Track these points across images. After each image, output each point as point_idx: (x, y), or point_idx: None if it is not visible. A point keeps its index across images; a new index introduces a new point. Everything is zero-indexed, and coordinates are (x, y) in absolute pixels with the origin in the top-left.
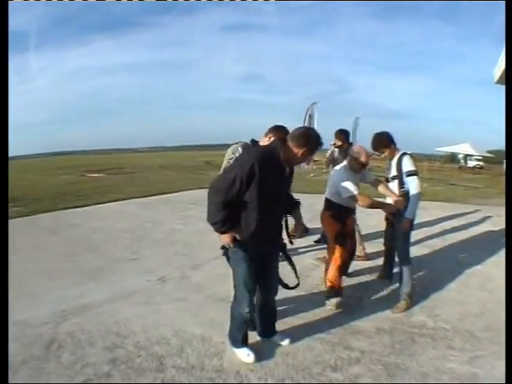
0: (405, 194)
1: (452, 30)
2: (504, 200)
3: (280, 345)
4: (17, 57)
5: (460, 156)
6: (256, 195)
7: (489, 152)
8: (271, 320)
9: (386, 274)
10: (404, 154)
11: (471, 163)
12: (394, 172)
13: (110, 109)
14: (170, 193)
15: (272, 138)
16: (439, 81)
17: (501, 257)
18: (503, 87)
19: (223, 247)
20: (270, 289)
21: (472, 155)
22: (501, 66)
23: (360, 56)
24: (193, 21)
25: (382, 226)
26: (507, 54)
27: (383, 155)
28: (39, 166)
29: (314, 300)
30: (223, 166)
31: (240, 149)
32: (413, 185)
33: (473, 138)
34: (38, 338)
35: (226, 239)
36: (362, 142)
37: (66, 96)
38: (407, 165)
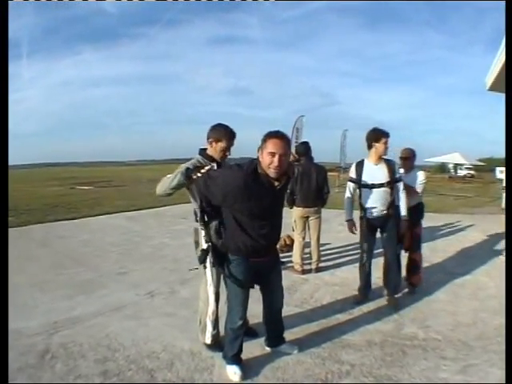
0: (394, 199)
1: (441, 39)
2: (495, 208)
3: (273, 360)
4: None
5: (450, 166)
6: (243, 209)
7: (479, 160)
8: (278, 331)
9: (365, 294)
10: (390, 160)
11: (462, 172)
12: (384, 178)
13: (98, 121)
14: (158, 207)
15: (213, 143)
16: (428, 91)
17: (491, 266)
18: (496, 94)
19: (202, 252)
20: (275, 301)
21: (462, 164)
22: (494, 72)
23: (347, 68)
24: (179, 33)
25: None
26: (507, 55)
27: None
28: (29, 177)
29: (302, 315)
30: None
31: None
32: (403, 189)
33: (463, 147)
34: (33, 347)
35: None
36: (351, 153)
37: (55, 107)
38: (398, 171)
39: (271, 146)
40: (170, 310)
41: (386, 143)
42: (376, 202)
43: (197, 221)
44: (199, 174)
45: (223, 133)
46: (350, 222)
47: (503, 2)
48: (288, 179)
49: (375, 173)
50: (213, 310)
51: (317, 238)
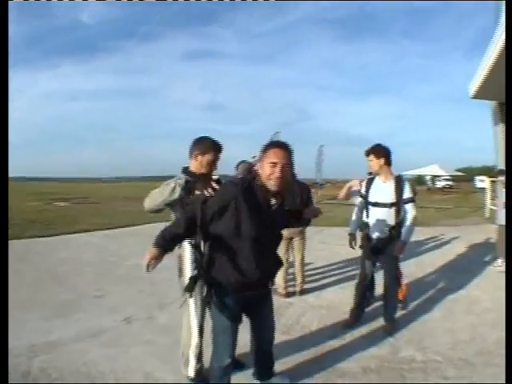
0: (400, 222)
1: (419, 48)
2: (478, 218)
3: None
4: None
5: (427, 177)
6: (233, 233)
7: (458, 170)
8: (268, 365)
9: (358, 317)
10: (401, 177)
11: (440, 183)
12: (390, 198)
13: (76, 135)
14: (134, 225)
15: (198, 157)
16: (406, 101)
17: (482, 278)
18: (478, 101)
19: (191, 280)
20: (265, 333)
21: (440, 176)
22: (478, 79)
23: (323, 81)
24: (155, 47)
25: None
26: (507, 56)
27: (370, 166)
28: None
29: (291, 342)
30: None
31: (179, 188)
32: (412, 212)
33: (441, 157)
34: (17, 366)
35: (151, 253)
36: (326, 169)
37: (34, 120)
38: (408, 191)
39: (273, 155)
40: (149, 337)
41: (371, 159)
42: (379, 222)
43: (180, 245)
44: (210, 192)
45: (209, 145)
46: (351, 236)
47: (485, 5)
48: (283, 199)
49: (381, 190)
50: (196, 342)
51: (301, 259)
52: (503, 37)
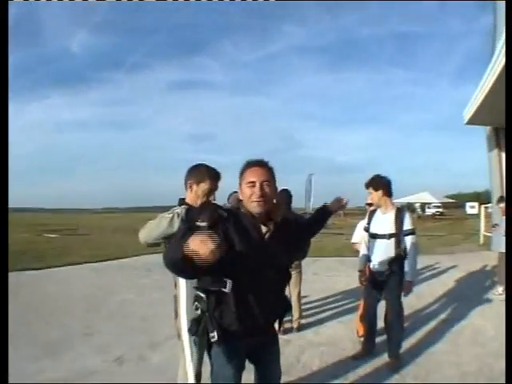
0: (399, 255)
1: (406, 75)
2: (472, 245)
3: None
4: None
5: (417, 205)
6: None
7: (447, 196)
8: None
9: (372, 347)
10: (402, 208)
11: (430, 211)
12: (389, 229)
13: (65, 166)
14: (123, 258)
15: (193, 187)
16: (392, 130)
17: (484, 307)
18: (467, 128)
19: (195, 322)
20: (268, 380)
21: (430, 203)
22: (474, 105)
23: (309, 110)
24: (142, 77)
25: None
26: (507, 57)
27: (370, 200)
28: None
29: None
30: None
31: (178, 219)
32: (414, 245)
33: (430, 183)
34: None
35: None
36: (316, 198)
37: (23, 151)
38: (409, 222)
39: (250, 174)
40: (142, 379)
41: (370, 192)
42: (378, 255)
43: (175, 286)
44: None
45: (205, 172)
46: (360, 273)
47: (473, 30)
48: (277, 226)
49: (381, 222)
50: None
51: (298, 293)
52: (500, 62)
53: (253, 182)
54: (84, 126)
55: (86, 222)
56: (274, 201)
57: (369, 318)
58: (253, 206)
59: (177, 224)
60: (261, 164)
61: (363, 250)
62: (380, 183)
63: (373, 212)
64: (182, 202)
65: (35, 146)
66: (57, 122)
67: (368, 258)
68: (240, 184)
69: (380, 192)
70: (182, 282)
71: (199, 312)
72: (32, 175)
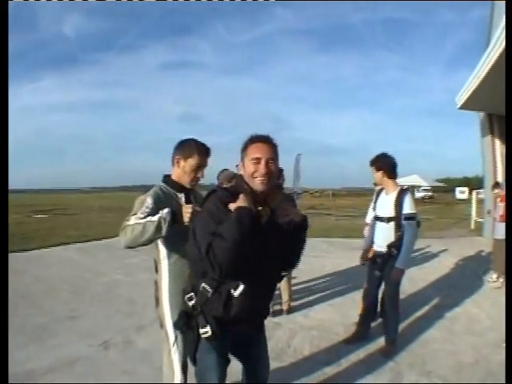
0: (399, 239)
1: (396, 60)
2: (463, 230)
3: None
4: None
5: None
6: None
7: (438, 181)
8: None
9: (366, 331)
10: (405, 190)
11: (419, 194)
12: (388, 212)
13: (55, 147)
14: (110, 237)
15: (181, 162)
16: (382, 114)
17: (478, 295)
18: (458, 114)
19: (184, 315)
20: (259, 374)
21: (420, 186)
22: (468, 90)
23: (299, 93)
24: (132, 59)
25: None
26: (507, 58)
27: (377, 187)
28: None
29: (284, 370)
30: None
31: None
32: (411, 231)
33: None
34: None
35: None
36: (303, 179)
37: (16, 134)
38: (409, 206)
39: (255, 150)
40: (128, 365)
41: (373, 171)
42: (378, 237)
43: (157, 271)
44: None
45: (194, 147)
46: (363, 253)
47: (465, 17)
48: (282, 215)
49: (383, 204)
50: (179, 380)
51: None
52: (497, 50)
53: (258, 159)
54: (74, 107)
55: (75, 203)
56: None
57: (367, 301)
58: (256, 183)
59: (165, 229)
60: (267, 140)
61: (368, 231)
62: (382, 164)
63: (379, 192)
64: (166, 178)
65: (25, 129)
66: (47, 103)
67: (372, 240)
68: (242, 159)
69: (380, 173)
70: (164, 267)
71: (190, 305)
72: (21, 156)
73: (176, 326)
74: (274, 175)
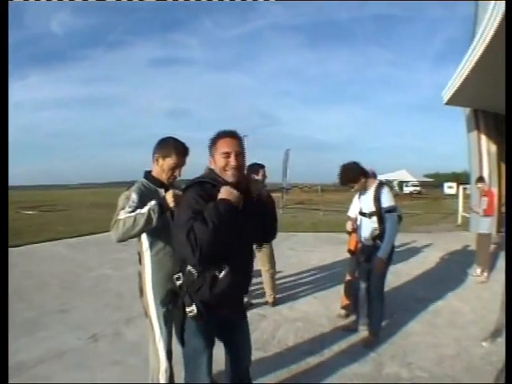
0: (382, 232)
1: (386, 56)
2: (449, 225)
3: None
4: None
5: (394, 183)
6: None
7: (427, 176)
8: None
9: (356, 324)
10: (381, 185)
11: (407, 189)
12: (369, 207)
13: (43, 144)
14: (99, 232)
15: (159, 160)
16: (371, 109)
17: (462, 288)
18: (446, 109)
19: (171, 294)
20: (242, 359)
21: (408, 181)
22: (453, 86)
23: (288, 89)
24: (121, 55)
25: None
26: (507, 58)
27: (353, 190)
28: None
29: (268, 360)
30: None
31: (155, 215)
32: (390, 223)
33: (408, 163)
34: None
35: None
36: (292, 173)
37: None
38: (387, 199)
39: (224, 145)
40: (117, 357)
41: (350, 186)
42: (363, 231)
43: (140, 263)
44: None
45: (172, 146)
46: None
47: (454, 14)
48: (253, 201)
49: (364, 200)
50: (165, 367)
51: (269, 268)
52: (481, 46)
53: (227, 153)
54: (63, 103)
55: (64, 199)
56: (257, 177)
57: (353, 292)
58: (228, 175)
59: (155, 219)
60: (234, 135)
61: (351, 225)
62: (352, 176)
63: None
64: (147, 174)
65: (13, 125)
66: (36, 100)
67: (360, 234)
68: (212, 153)
69: (358, 184)
70: (146, 258)
71: (177, 284)
72: (10, 153)
73: (163, 303)
74: (243, 167)
